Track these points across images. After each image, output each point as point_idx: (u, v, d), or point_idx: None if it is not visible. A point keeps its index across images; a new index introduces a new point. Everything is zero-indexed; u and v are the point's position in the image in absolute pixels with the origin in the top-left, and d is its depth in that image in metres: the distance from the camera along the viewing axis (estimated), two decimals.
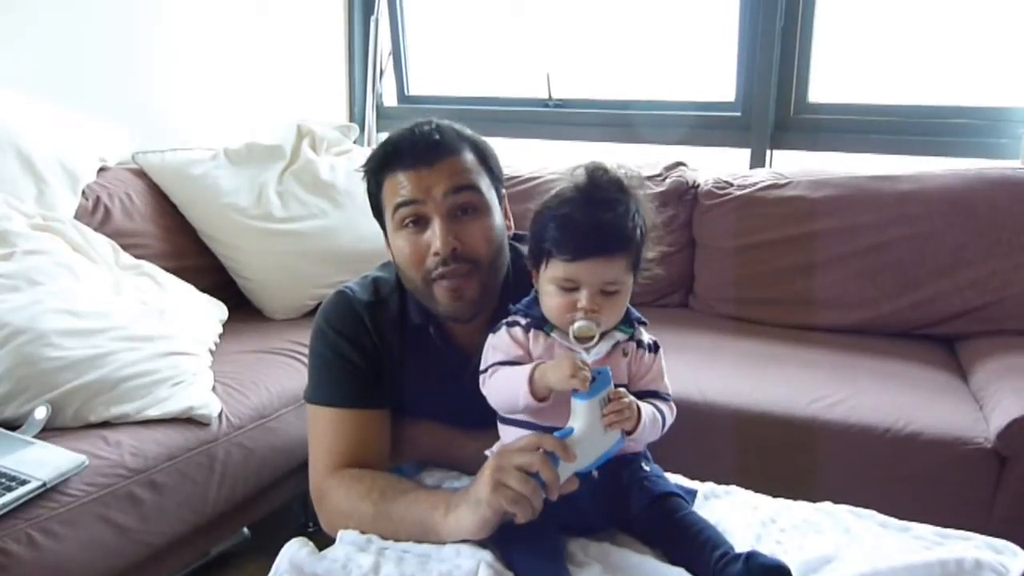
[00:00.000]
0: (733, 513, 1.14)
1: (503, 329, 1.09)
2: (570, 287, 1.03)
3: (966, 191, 2.18)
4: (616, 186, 1.06)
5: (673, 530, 1.04)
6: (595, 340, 1.02)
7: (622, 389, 1.00)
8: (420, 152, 1.15)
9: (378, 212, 1.23)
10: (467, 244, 1.15)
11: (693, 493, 1.16)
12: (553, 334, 1.06)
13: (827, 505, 1.18)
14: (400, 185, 1.15)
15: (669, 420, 1.09)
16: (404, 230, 1.17)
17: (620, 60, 3.00)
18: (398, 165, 1.16)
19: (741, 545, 1.02)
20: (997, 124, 2.44)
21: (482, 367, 1.09)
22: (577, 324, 1.01)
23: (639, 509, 1.07)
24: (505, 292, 1.21)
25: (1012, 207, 2.14)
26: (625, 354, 1.09)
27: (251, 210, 2.34)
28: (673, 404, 1.12)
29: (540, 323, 1.07)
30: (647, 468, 1.11)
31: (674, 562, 1.02)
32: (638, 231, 1.05)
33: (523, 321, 1.08)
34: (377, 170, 1.20)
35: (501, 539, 1.01)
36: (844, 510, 1.16)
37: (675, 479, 1.18)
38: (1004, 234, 2.13)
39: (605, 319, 1.04)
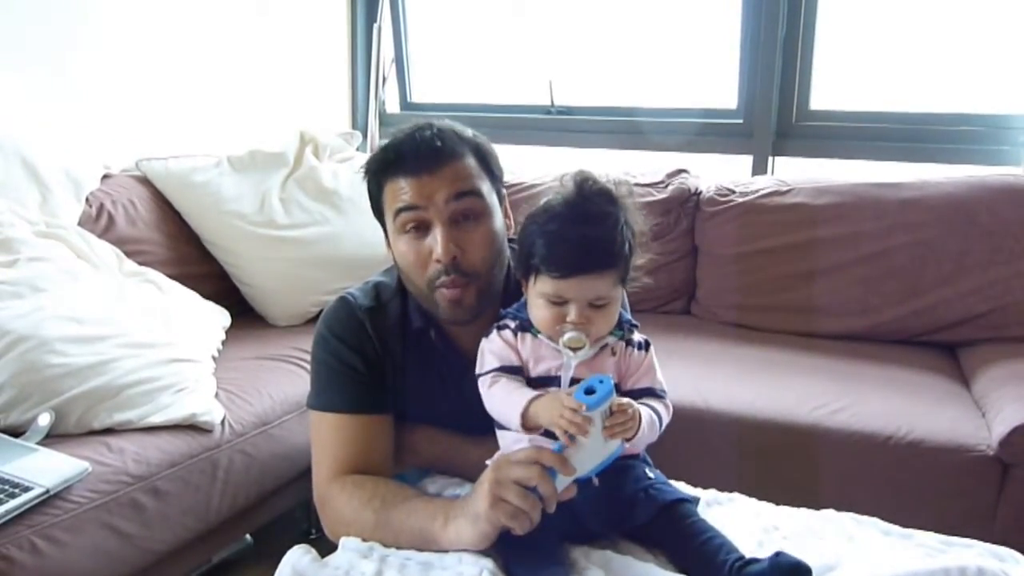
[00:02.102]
0: (735, 520, 1.14)
1: (494, 333, 1.11)
2: (559, 301, 1.03)
3: (968, 198, 2.19)
4: (604, 197, 1.06)
5: (683, 536, 1.04)
6: (585, 350, 1.02)
7: (625, 399, 0.99)
8: (422, 158, 1.14)
9: (379, 213, 1.23)
10: (468, 252, 1.15)
11: (695, 501, 1.16)
12: (540, 336, 1.07)
13: (829, 512, 1.18)
14: (402, 190, 1.15)
15: (666, 419, 1.09)
16: (406, 235, 1.17)
17: (622, 67, 3.01)
18: (399, 170, 1.16)
19: (744, 552, 1.02)
20: (998, 131, 2.45)
21: (478, 370, 1.10)
22: (567, 335, 1.01)
23: (648, 517, 1.06)
24: (507, 293, 1.22)
25: (1014, 214, 2.15)
26: (614, 353, 1.09)
27: (254, 217, 2.34)
28: (669, 402, 1.11)
29: (528, 325, 1.08)
30: (651, 475, 1.11)
31: (682, 568, 1.03)
32: (627, 245, 1.05)
33: (512, 324, 1.09)
34: (378, 172, 1.20)
35: (503, 547, 1.01)
36: (847, 517, 1.16)
37: (677, 486, 1.18)
38: (1006, 241, 2.14)
39: (595, 330, 1.04)
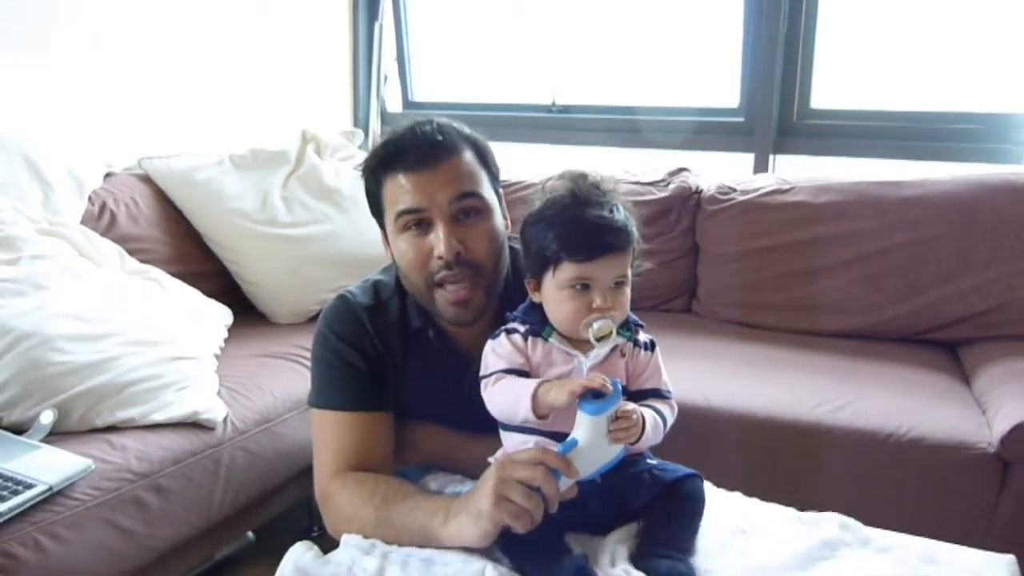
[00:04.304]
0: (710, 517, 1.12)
1: (503, 336, 1.09)
2: (583, 287, 1.04)
3: (969, 196, 2.18)
4: (599, 189, 1.08)
5: (668, 515, 1.07)
6: (612, 337, 1.02)
7: (630, 404, 1.00)
8: (422, 153, 1.14)
9: (376, 210, 1.23)
10: (470, 248, 1.15)
11: (700, 476, 1.16)
12: (551, 339, 1.07)
13: (812, 515, 1.15)
14: (402, 189, 1.14)
15: (670, 420, 1.10)
16: (406, 233, 1.16)
17: (624, 65, 3.00)
18: (399, 166, 1.15)
19: (707, 550, 1.04)
20: (1000, 129, 2.45)
21: (483, 372, 1.09)
22: (597, 324, 1.02)
23: (651, 497, 1.07)
24: (505, 294, 1.22)
25: (1015, 212, 2.14)
26: (623, 355, 1.10)
27: (256, 215, 2.35)
28: (674, 402, 1.12)
29: (538, 330, 1.08)
30: (652, 461, 1.12)
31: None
32: (633, 225, 1.08)
33: (521, 329, 1.09)
34: (377, 168, 1.19)
35: (504, 544, 1.02)
36: (834, 522, 1.12)
37: None
38: (1007, 239, 2.13)
39: (618, 314, 1.05)
